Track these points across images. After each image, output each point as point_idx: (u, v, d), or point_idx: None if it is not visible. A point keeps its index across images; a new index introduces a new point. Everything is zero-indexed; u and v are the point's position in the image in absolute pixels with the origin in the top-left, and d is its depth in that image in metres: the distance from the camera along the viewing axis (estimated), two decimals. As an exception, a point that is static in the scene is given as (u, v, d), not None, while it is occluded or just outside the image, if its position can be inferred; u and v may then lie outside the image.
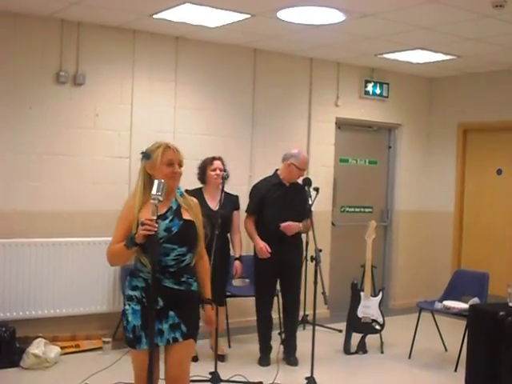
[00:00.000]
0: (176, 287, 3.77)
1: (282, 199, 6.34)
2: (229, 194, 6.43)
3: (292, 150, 6.48)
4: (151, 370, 3.54)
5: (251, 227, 6.42)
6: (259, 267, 6.42)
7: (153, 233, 3.49)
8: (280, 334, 6.83)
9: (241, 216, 6.61)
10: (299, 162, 6.37)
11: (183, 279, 3.79)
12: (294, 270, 6.44)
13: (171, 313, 3.75)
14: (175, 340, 3.76)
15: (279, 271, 6.39)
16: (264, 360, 6.44)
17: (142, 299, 3.77)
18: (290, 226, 6.26)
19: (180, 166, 3.83)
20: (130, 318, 3.79)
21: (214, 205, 6.24)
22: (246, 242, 6.95)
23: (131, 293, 3.81)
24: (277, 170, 6.54)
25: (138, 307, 3.78)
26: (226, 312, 6.97)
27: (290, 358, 6.47)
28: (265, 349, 6.51)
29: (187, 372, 3.91)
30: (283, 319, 6.61)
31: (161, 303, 3.72)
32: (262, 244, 6.25)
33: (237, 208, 6.56)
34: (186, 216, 3.81)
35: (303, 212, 6.15)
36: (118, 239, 3.75)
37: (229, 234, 6.56)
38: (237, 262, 6.52)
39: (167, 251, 3.70)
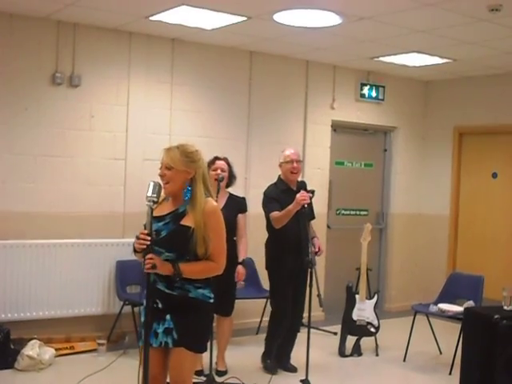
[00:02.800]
0: (167, 291, 3.75)
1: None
2: (235, 196, 6.28)
3: None
4: (146, 368, 3.57)
5: (278, 213, 6.01)
6: (278, 281, 6.23)
7: (144, 247, 3.59)
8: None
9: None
10: (284, 157, 6.26)
11: (177, 284, 3.74)
12: (305, 279, 6.09)
13: (168, 317, 3.75)
14: (166, 344, 3.75)
15: (294, 279, 6.20)
16: (274, 367, 6.27)
17: (148, 298, 3.81)
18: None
19: (168, 168, 3.77)
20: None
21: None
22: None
23: (146, 291, 3.88)
24: (279, 175, 6.36)
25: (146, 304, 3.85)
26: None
27: (288, 364, 6.35)
28: (273, 356, 6.33)
29: (186, 378, 3.86)
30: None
31: (159, 305, 3.74)
32: (295, 200, 5.85)
33: (242, 211, 6.26)
34: (186, 222, 3.74)
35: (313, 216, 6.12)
36: None
37: (235, 239, 6.22)
38: (239, 267, 6.23)
39: (156, 253, 3.68)
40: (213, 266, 3.81)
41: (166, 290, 3.75)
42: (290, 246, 6.12)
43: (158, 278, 3.72)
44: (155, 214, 3.72)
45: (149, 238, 3.58)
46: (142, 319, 3.88)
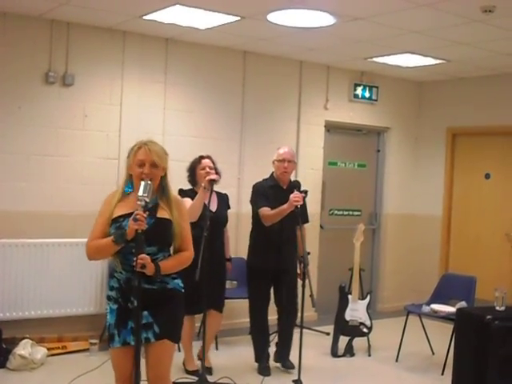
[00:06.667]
0: (147, 286, 3.72)
1: (278, 202, 5.99)
2: (219, 193, 6.27)
3: None
4: (138, 368, 3.58)
5: (270, 211, 6.00)
6: (254, 274, 6.25)
7: (143, 228, 3.56)
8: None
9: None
10: (277, 155, 6.26)
11: (160, 278, 3.75)
12: (291, 276, 6.16)
13: (145, 312, 3.73)
14: (147, 340, 3.74)
15: (275, 278, 6.20)
16: (265, 369, 6.26)
17: (118, 299, 3.82)
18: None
19: (154, 166, 3.76)
20: (108, 317, 3.87)
21: (211, 206, 5.88)
22: (233, 245, 6.95)
23: (109, 293, 3.89)
24: (272, 172, 6.37)
25: (114, 306, 3.84)
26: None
27: (286, 361, 6.34)
28: (263, 357, 6.33)
29: (165, 373, 3.87)
30: (279, 325, 6.41)
31: (134, 303, 3.67)
32: (289, 201, 5.83)
33: (229, 207, 6.34)
34: (162, 214, 3.78)
35: (301, 215, 6.09)
36: (97, 235, 3.81)
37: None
38: (228, 264, 6.37)
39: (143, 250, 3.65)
40: (186, 255, 3.89)
41: (146, 286, 3.70)
42: (270, 243, 6.13)
43: (136, 275, 3.62)
44: (123, 212, 3.73)
45: (146, 221, 3.58)
46: (112, 321, 3.83)
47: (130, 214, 3.66)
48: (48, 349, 6.34)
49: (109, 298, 3.89)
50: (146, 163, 3.76)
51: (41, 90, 6.70)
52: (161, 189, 3.86)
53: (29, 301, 6.57)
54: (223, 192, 6.40)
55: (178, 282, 3.90)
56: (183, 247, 3.87)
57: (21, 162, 6.62)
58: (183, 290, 3.94)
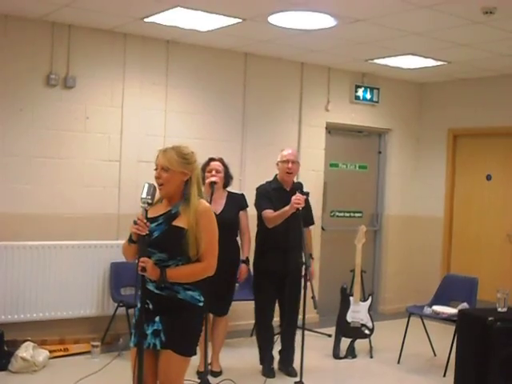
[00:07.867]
0: (156, 291, 3.74)
1: (282, 204, 5.95)
2: (233, 193, 6.25)
3: None
4: (140, 370, 3.57)
5: (272, 213, 6.00)
6: (260, 276, 6.23)
7: (143, 233, 3.61)
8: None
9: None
10: (281, 157, 6.25)
11: (166, 285, 3.72)
12: (295, 281, 6.10)
13: (157, 318, 3.73)
14: (155, 346, 3.74)
15: (281, 281, 6.15)
16: (270, 371, 6.24)
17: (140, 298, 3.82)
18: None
19: (164, 170, 3.76)
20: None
21: (216, 208, 5.82)
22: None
23: (139, 292, 3.87)
24: (276, 174, 6.36)
25: (138, 305, 3.83)
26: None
27: (289, 368, 6.30)
28: (268, 359, 6.30)
29: (174, 381, 3.84)
30: (282, 329, 6.35)
31: (150, 306, 3.73)
32: (291, 203, 5.81)
33: (243, 207, 6.25)
34: (179, 223, 3.74)
35: (305, 218, 6.10)
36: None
37: (238, 238, 6.25)
38: (243, 266, 6.20)
39: (149, 254, 3.70)
40: (201, 266, 3.78)
41: (156, 291, 3.74)
42: (275, 245, 6.12)
43: (149, 279, 3.71)
44: (149, 215, 3.72)
45: (147, 223, 3.62)
46: (134, 320, 3.91)
47: (149, 219, 3.69)
48: (50, 351, 6.34)
49: (139, 296, 3.92)
50: (158, 167, 3.81)
51: (42, 92, 6.71)
52: (183, 196, 3.82)
53: (30, 303, 6.58)
54: (239, 192, 6.43)
55: (194, 294, 3.80)
56: (201, 258, 3.77)
57: (22, 164, 6.62)
58: (201, 304, 3.84)
